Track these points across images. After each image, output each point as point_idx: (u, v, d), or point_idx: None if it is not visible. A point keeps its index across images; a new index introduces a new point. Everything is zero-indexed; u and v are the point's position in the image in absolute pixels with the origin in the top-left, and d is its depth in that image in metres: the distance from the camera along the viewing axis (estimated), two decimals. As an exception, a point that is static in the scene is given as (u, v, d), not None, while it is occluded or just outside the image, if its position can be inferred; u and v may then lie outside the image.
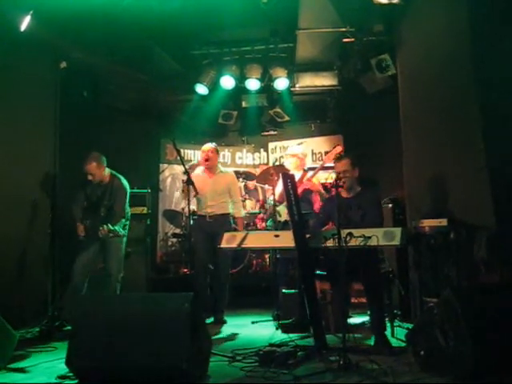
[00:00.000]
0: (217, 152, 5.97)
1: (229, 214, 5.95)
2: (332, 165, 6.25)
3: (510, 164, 3.97)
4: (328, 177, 8.04)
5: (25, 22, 5.23)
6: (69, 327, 4.85)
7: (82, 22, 5.55)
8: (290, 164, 6.40)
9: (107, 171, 5.54)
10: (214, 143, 6.02)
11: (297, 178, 6.01)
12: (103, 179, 5.50)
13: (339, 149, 6.26)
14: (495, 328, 3.05)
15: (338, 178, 4.13)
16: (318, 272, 4.55)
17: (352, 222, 4.41)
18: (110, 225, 5.17)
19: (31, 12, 5.20)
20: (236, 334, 5.05)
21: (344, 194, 4.63)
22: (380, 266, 4.61)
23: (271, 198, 6.32)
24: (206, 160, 5.84)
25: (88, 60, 6.63)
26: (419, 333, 3.50)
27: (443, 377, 3.18)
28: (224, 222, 5.79)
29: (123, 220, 5.53)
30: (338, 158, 4.76)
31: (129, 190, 5.61)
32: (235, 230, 5.93)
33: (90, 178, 5.41)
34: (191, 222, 5.27)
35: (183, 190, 5.74)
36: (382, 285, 4.42)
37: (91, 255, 5.41)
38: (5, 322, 3.86)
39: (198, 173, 5.97)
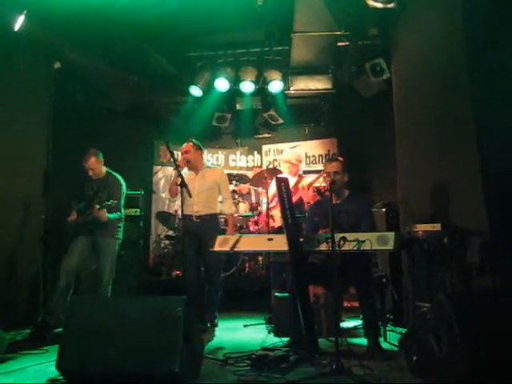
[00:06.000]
0: (198, 149, 5.53)
1: (217, 214, 5.58)
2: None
3: (504, 170, 3.98)
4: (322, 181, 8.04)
5: (18, 22, 5.21)
6: (60, 329, 4.81)
7: (76, 23, 5.53)
8: (284, 169, 6.42)
9: (104, 168, 5.49)
10: (192, 140, 5.56)
11: (291, 183, 6.03)
12: (100, 174, 5.43)
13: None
14: (488, 333, 3.05)
15: (332, 182, 4.09)
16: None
17: (341, 228, 4.23)
18: (104, 204, 5.02)
19: (25, 12, 5.18)
20: (228, 338, 5.02)
21: (333, 200, 4.37)
22: (373, 270, 4.60)
23: (264, 200, 6.31)
24: (188, 162, 5.41)
25: (82, 61, 6.62)
26: (412, 338, 3.49)
27: (436, 382, 3.17)
28: (212, 224, 5.42)
29: (119, 213, 5.39)
30: (329, 160, 4.73)
31: (125, 188, 5.54)
32: (225, 230, 5.76)
33: (90, 173, 5.34)
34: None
35: (170, 189, 5.46)
36: (374, 288, 4.41)
37: (82, 255, 5.25)
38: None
39: (185, 172, 5.45)
